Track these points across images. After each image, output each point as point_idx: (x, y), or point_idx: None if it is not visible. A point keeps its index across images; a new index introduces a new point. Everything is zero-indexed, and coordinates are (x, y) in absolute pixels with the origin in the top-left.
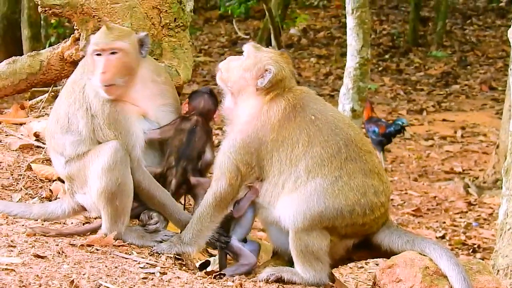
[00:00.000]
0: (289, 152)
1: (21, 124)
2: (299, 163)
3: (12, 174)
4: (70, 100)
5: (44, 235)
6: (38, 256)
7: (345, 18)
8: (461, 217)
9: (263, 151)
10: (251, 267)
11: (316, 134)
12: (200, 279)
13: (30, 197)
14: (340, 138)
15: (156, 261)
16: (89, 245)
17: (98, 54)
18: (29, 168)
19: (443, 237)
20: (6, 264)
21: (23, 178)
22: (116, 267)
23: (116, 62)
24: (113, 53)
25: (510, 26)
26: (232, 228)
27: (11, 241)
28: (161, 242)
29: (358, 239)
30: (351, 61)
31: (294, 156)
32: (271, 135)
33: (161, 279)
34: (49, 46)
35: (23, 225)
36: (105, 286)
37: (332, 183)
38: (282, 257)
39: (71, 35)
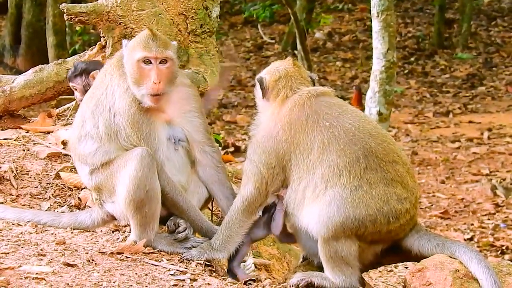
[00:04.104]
0: (305, 157)
1: (48, 133)
2: (316, 171)
3: (40, 183)
4: (91, 103)
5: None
6: (68, 265)
7: (370, 21)
8: (489, 219)
9: (281, 151)
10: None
11: (332, 142)
12: (231, 285)
13: (59, 205)
14: (358, 148)
15: (186, 268)
16: (119, 253)
17: (147, 62)
18: (58, 176)
19: (471, 239)
20: (36, 273)
21: (51, 186)
22: (146, 275)
23: (167, 72)
24: (163, 62)
25: None
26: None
27: (41, 250)
28: (191, 248)
29: (386, 244)
30: (377, 64)
31: (310, 162)
32: (284, 136)
33: (192, 285)
34: (74, 54)
35: (52, 233)
36: None
37: (351, 193)
38: (311, 262)
39: (97, 43)
